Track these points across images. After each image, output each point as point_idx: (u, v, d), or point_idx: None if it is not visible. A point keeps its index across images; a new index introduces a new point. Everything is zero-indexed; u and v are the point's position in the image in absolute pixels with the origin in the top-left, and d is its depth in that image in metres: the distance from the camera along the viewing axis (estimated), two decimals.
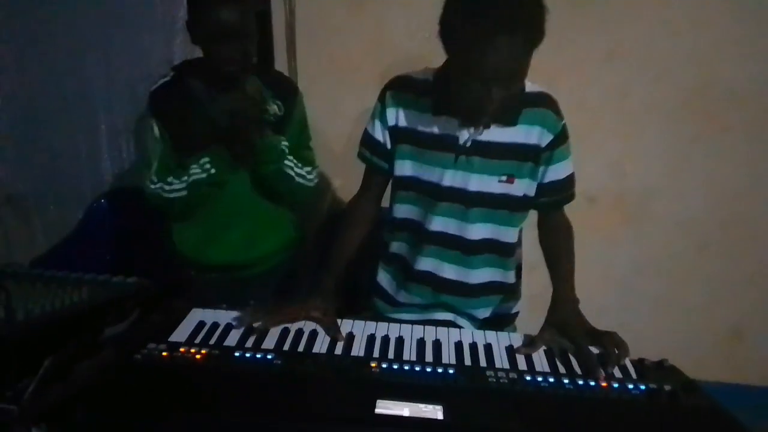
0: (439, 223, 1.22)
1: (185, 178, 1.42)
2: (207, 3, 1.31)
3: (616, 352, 1.00)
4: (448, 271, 1.27)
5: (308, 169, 1.55)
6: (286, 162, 1.47)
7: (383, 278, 1.39)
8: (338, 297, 1.20)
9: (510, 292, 1.35)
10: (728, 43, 1.81)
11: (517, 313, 1.41)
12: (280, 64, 1.95)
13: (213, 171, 1.42)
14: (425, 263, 1.27)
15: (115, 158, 2.13)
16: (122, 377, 0.92)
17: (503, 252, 1.28)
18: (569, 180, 1.23)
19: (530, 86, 1.17)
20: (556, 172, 1.20)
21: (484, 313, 1.33)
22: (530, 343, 1.07)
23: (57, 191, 2.20)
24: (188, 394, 0.88)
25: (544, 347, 1.06)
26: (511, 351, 1.04)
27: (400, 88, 1.20)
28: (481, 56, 0.93)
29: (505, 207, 1.21)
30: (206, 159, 1.42)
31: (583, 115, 1.94)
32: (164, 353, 0.97)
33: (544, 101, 1.18)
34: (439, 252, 1.25)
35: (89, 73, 2.01)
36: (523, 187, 1.19)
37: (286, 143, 1.48)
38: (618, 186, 2.03)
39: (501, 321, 1.34)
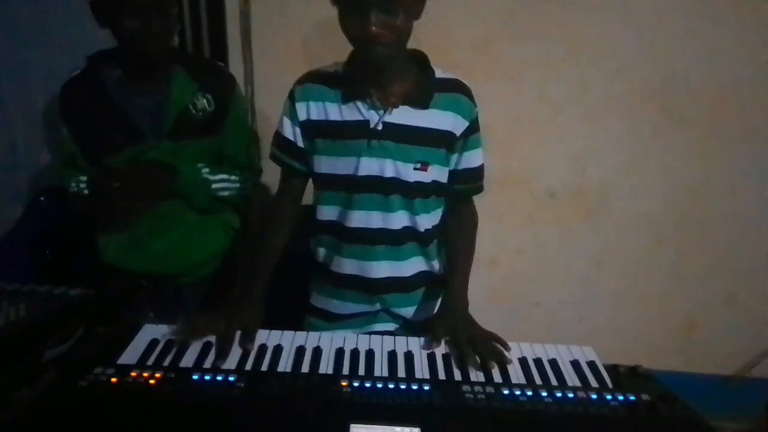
0: (360, 218, 1.18)
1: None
2: None
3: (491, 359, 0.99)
4: (378, 269, 1.22)
5: (234, 177, 1.45)
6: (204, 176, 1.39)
7: (317, 297, 1.34)
8: (264, 306, 1.15)
9: (440, 284, 1.31)
10: (687, 39, 1.83)
11: None
12: (235, 55, 1.85)
13: (86, 192, 1.32)
14: (351, 265, 1.23)
15: (54, 150, 1.98)
16: (66, 407, 0.83)
17: (423, 240, 1.25)
18: (480, 169, 1.24)
19: (441, 73, 1.17)
20: (469, 159, 1.21)
21: (422, 313, 1.30)
22: (431, 342, 1.04)
23: None
24: (141, 425, 0.80)
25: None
26: (484, 361, 1.00)
27: (309, 81, 1.18)
28: None
29: (420, 195, 1.19)
30: (83, 180, 1.34)
31: (544, 109, 1.94)
32: (113, 378, 0.89)
33: (458, 87, 1.18)
34: (364, 251, 1.21)
35: (26, 60, 1.86)
36: (434, 173, 1.17)
37: (206, 170, 1.40)
38: (578, 181, 2.03)
39: None
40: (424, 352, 1.02)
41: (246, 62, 1.85)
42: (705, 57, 1.85)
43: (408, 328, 1.29)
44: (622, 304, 2.16)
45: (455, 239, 1.26)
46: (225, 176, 1.44)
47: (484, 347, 1.01)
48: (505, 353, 1.01)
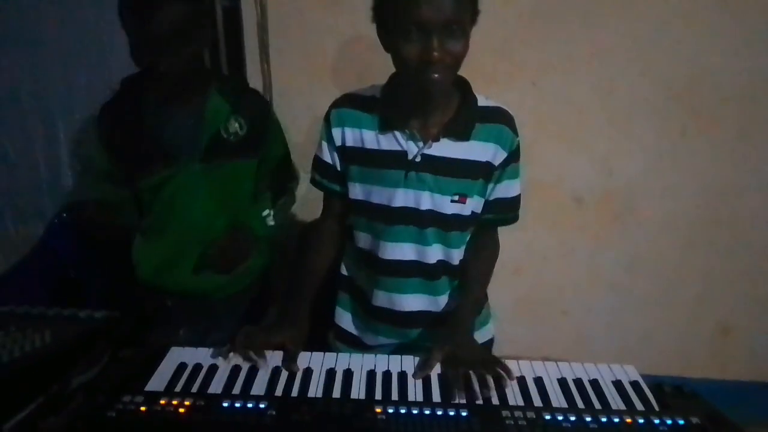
0: (393, 250, 1.14)
1: None
2: (129, 6, 1.17)
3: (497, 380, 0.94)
4: (410, 303, 1.18)
5: (282, 202, 1.51)
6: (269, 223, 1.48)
7: (344, 318, 1.30)
8: (307, 327, 1.13)
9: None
10: (715, 38, 1.78)
11: (491, 340, 1.32)
12: (252, 66, 1.84)
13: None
14: (382, 298, 1.19)
15: (75, 169, 1.98)
16: None
17: (455, 274, 1.20)
18: (516, 200, 1.18)
19: (484, 100, 1.12)
20: (504, 190, 1.15)
21: None
22: (424, 365, 1.00)
23: (14, 205, 2.04)
24: None
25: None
26: (522, 382, 0.96)
27: (346, 106, 1.13)
28: (414, 2, 0.92)
29: (457, 228, 1.14)
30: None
31: (569, 112, 1.90)
32: (142, 407, 0.87)
33: (500, 117, 1.12)
34: (396, 283, 1.17)
35: (46, 76, 1.85)
36: (472, 205, 1.13)
37: (269, 216, 1.47)
38: (605, 184, 1.98)
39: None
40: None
41: (263, 75, 1.83)
42: (733, 55, 1.79)
43: None
44: (653, 310, 2.10)
45: (473, 265, 1.20)
46: (277, 209, 1.51)
47: (479, 374, 0.95)
48: (505, 377, 0.95)
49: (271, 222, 1.47)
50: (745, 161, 1.89)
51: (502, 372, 0.95)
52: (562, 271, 2.08)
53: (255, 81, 1.83)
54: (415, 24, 0.92)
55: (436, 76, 0.96)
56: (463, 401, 0.91)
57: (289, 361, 1.00)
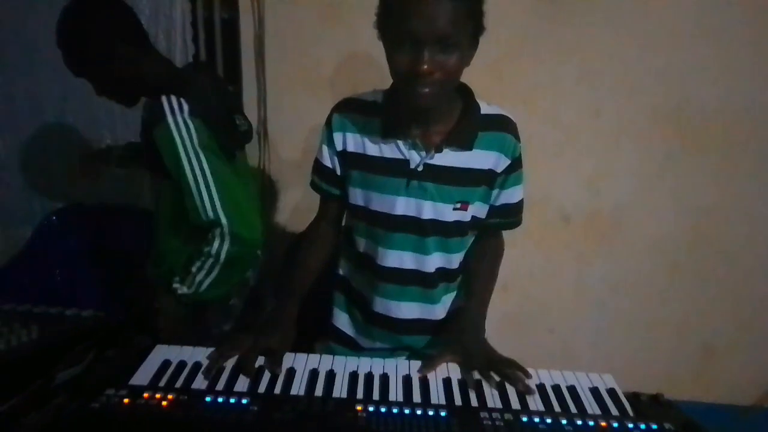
0: (393, 258, 1.15)
1: None
2: None
3: (516, 374, 0.98)
4: (408, 310, 1.19)
5: (176, 280, 1.34)
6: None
7: (340, 320, 1.30)
8: (295, 329, 1.12)
9: None
10: (700, 64, 1.84)
11: None
12: (248, 78, 1.87)
13: None
14: (380, 304, 1.20)
15: (65, 171, 2.00)
16: (78, 430, 0.81)
17: (452, 279, 1.22)
18: (519, 205, 1.20)
19: (487, 107, 1.12)
20: (509, 196, 1.17)
21: None
22: (430, 363, 1.01)
23: (3, 207, 2.05)
24: None
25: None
26: (501, 386, 0.97)
27: (348, 111, 1.14)
28: (408, 14, 0.91)
29: (458, 234, 1.16)
30: None
31: (557, 133, 1.94)
32: (125, 400, 0.87)
33: (503, 125, 1.12)
34: (394, 290, 1.18)
35: (40, 77, 1.88)
36: (473, 210, 1.14)
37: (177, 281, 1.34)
38: (591, 204, 2.02)
39: None
40: (440, 378, 1.00)
41: (259, 85, 1.87)
42: (718, 81, 1.85)
43: None
44: (637, 330, 2.13)
45: (478, 266, 1.21)
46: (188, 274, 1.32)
47: (505, 373, 0.98)
48: (527, 381, 0.97)
49: (182, 291, 1.32)
50: (728, 184, 1.94)
51: (519, 372, 0.98)
52: (549, 288, 2.11)
53: (250, 91, 1.87)
54: (407, 35, 0.92)
55: (425, 90, 0.95)
56: (443, 402, 0.92)
57: (273, 364, 1.00)
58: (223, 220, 1.26)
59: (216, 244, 1.27)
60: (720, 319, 2.08)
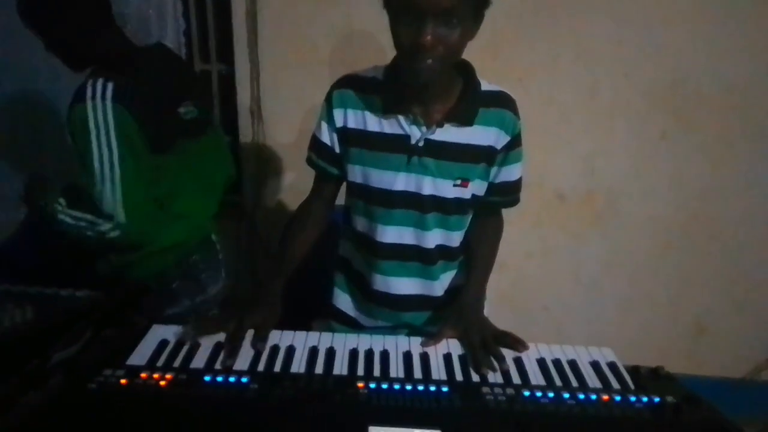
0: (392, 234, 1.14)
1: None
2: None
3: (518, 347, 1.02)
4: (408, 287, 1.19)
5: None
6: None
7: (341, 299, 1.30)
8: (281, 306, 1.11)
9: None
10: (695, 43, 1.83)
11: None
12: (241, 57, 1.84)
13: None
14: (381, 281, 1.20)
15: (57, 153, 1.97)
16: (75, 411, 0.80)
17: (452, 258, 1.22)
18: (518, 183, 1.20)
19: (487, 85, 1.12)
20: (508, 173, 1.16)
21: None
22: (433, 338, 1.04)
23: None
24: (151, 428, 0.78)
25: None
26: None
27: (348, 87, 1.12)
28: None
29: (458, 211, 1.15)
30: None
31: (553, 112, 1.93)
32: (123, 380, 0.86)
33: (503, 101, 1.12)
34: (394, 267, 1.18)
35: (32, 65, 1.85)
36: (474, 188, 1.14)
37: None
38: (587, 184, 2.02)
39: None
40: (440, 354, 1.00)
41: (253, 64, 1.84)
42: (713, 60, 1.84)
43: None
44: (631, 307, 2.15)
45: (478, 244, 1.22)
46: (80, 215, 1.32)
47: (497, 348, 0.99)
48: (520, 348, 1.00)
49: (62, 216, 1.32)
50: (723, 163, 1.94)
51: (515, 344, 1.02)
52: (544, 267, 2.12)
53: (244, 70, 1.84)
54: (411, 7, 0.91)
55: (428, 62, 0.94)
56: (444, 378, 0.92)
57: (258, 341, 1.00)
58: (120, 218, 1.27)
59: (106, 227, 1.28)
60: (712, 295, 2.10)
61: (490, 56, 1.83)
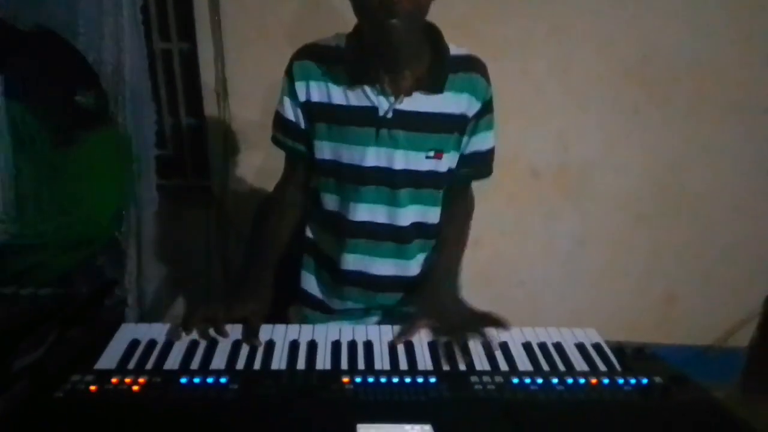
0: (364, 212, 1.10)
1: None
2: None
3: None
4: (382, 267, 1.15)
5: None
6: None
7: (309, 283, 1.25)
8: (270, 298, 1.07)
9: None
10: (668, 18, 1.82)
11: None
12: (203, 34, 1.75)
13: None
14: (353, 261, 1.15)
15: None
16: (41, 420, 0.75)
17: (430, 235, 1.18)
18: (490, 153, 1.16)
19: (456, 49, 1.07)
20: (479, 143, 1.12)
21: None
22: (407, 330, 0.97)
23: None
24: None
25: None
26: (488, 348, 0.95)
27: (309, 58, 1.06)
28: None
29: (432, 185, 1.11)
30: None
31: (526, 88, 1.91)
32: (92, 386, 0.81)
33: (473, 66, 1.08)
34: (368, 246, 1.14)
35: None
36: (448, 160, 1.09)
37: None
38: (560, 159, 2.02)
39: None
40: (425, 342, 0.97)
41: (215, 41, 1.75)
42: (685, 35, 1.84)
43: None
44: (603, 281, 2.18)
45: (449, 222, 1.17)
46: None
47: (488, 319, 0.96)
48: (489, 336, 0.95)
49: None
50: (694, 137, 1.96)
51: (489, 332, 0.96)
52: (519, 243, 2.12)
53: (206, 47, 1.75)
54: None
55: (396, 21, 0.89)
56: (430, 368, 0.90)
57: (251, 335, 0.96)
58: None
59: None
60: (682, 267, 2.15)
61: (463, 32, 1.77)
